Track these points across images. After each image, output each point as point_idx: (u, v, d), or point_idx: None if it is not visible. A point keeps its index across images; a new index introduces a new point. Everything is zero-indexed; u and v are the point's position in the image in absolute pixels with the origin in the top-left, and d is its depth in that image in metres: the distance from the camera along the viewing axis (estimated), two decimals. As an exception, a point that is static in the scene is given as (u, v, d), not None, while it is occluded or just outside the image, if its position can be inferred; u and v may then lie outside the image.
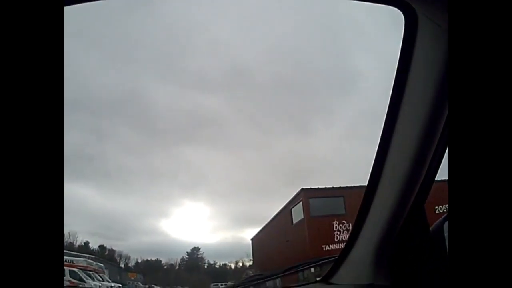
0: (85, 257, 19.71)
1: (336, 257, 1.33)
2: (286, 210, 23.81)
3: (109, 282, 17.32)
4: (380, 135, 1.05)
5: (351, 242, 1.24)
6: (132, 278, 34.74)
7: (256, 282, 1.47)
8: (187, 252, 53.66)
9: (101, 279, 16.79)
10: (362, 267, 1.20)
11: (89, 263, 18.39)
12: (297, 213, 21.27)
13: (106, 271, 26.70)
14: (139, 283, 29.95)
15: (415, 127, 0.95)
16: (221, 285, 31.87)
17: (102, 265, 23.61)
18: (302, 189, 20.59)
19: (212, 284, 33.59)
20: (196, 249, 54.14)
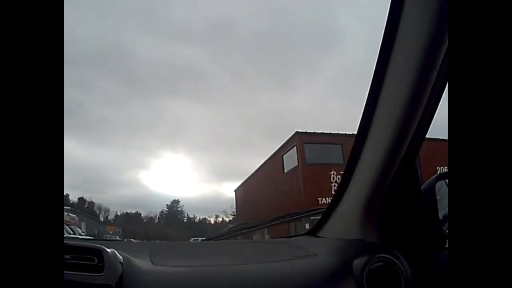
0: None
1: (324, 210, 1.33)
2: (277, 157, 22.23)
3: (80, 235, 15.97)
4: (368, 88, 1.02)
5: (339, 195, 1.23)
6: (111, 232, 34.94)
7: (242, 231, 1.48)
8: (166, 205, 54.73)
9: (72, 232, 15.37)
10: (350, 221, 1.20)
11: (58, 213, 18.12)
12: (290, 160, 19.50)
13: (83, 224, 26.77)
14: (117, 236, 29.36)
15: (406, 81, 0.92)
16: (202, 239, 31.99)
17: (74, 215, 23.32)
18: (297, 132, 18.88)
19: (192, 238, 32.97)
20: (176, 202, 55.23)
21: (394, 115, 0.97)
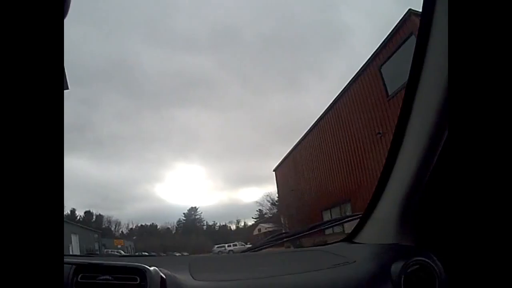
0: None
1: (361, 215, 1.40)
2: (367, 74, 15.88)
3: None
4: (405, 88, 1.08)
5: (375, 200, 1.29)
6: (119, 246, 34.20)
7: (278, 241, 1.54)
8: (184, 213, 54.87)
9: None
10: (386, 226, 1.26)
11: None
12: (398, 71, 12.20)
13: (74, 237, 25.49)
14: (121, 251, 28.52)
15: (441, 81, 0.95)
16: (228, 246, 30.04)
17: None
18: (411, 11, 12.67)
19: (216, 246, 32.35)
20: (193, 209, 55.36)
21: (428, 119, 1.02)
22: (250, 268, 1.23)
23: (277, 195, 32.57)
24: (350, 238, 1.43)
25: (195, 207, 55.92)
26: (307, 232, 1.54)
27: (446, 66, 0.90)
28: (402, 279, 1.07)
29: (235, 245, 29.99)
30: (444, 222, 1.15)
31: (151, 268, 0.94)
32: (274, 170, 33.58)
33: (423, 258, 1.10)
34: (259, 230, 39.45)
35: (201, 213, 56.00)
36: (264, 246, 1.52)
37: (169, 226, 51.38)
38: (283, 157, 30.98)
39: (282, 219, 28.73)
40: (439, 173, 1.11)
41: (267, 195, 33.19)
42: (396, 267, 1.09)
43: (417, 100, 1.05)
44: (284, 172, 30.50)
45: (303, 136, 26.12)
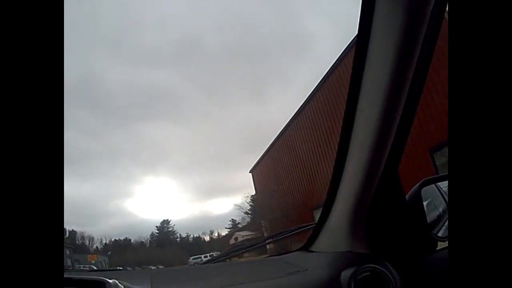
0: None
1: (315, 225, 1.44)
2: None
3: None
4: (346, 97, 1.10)
5: (327, 209, 1.33)
6: (93, 261, 33.34)
7: (237, 253, 1.58)
8: (156, 226, 53.65)
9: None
10: (339, 234, 1.29)
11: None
12: None
13: None
14: (93, 266, 26.85)
15: (382, 88, 0.99)
16: (205, 257, 27.27)
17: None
18: None
19: (191, 257, 30.28)
20: (166, 222, 54.28)
21: (372, 126, 1.05)
22: (207, 279, 1.26)
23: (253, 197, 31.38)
24: (306, 247, 1.46)
25: (167, 220, 55.05)
26: (262, 243, 1.60)
27: (387, 71, 0.96)
28: (352, 285, 1.09)
29: (212, 255, 28.09)
30: (396, 228, 1.21)
31: (111, 281, 0.96)
32: (250, 171, 32.52)
33: (375, 265, 1.13)
34: (236, 239, 38.35)
35: (174, 225, 55.17)
36: (224, 257, 1.57)
37: (143, 240, 50.43)
38: (259, 157, 29.79)
39: (263, 223, 27.60)
40: (388, 180, 1.17)
41: (247, 196, 32.10)
42: (346, 273, 1.12)
43: (359, 107, 1.07)
44: (263, 172, 29.54)
45: (281, 131, 25.35)
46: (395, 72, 0.96)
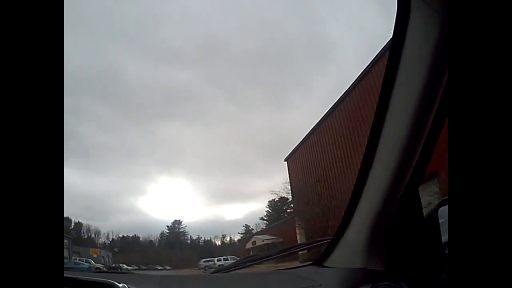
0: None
1: (330, 239, 1.42)
2: None
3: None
4: (374, 113, 1.10)
5: (344, 224, 1.32)
6: (95, 255, 33.78)
7: (248, 264, 1.57)
8: (167, 226, 54.49)
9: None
10: (355, 250, 1.28)
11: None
12: None
13: None
14: (91, 260, 27.88)
15: (409, 108, 0.99)
16: (218, 260, 28.12)
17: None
18: None
19: (203, 260, 30.99)
20: (177, 222, 55.03)
21: (397, 145, 1.06)
22: None
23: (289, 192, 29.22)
24: (319, 262, 1.45)
25: (179, 220, 55.55)
26: (275, 256, 1.58)
27: (417, 87, 0.95)
28: None
29: (226, 259, 27.81)
30: (413, 246, 1.19)
31: (120, 285, 0.96)
32: (285, 160, 30.22)
33: (391, 283, 1.13)
34: (254, 243, 37.86)
35: (185, 226, 55.64)
36: (236, 268, 1.56)
37: (152, 239, 50.80)
38: (297, 143, 27.58)
39: (297, 221, 25.37)
40: (408, 199, 1.16)
41: (285, 183, 28.92)
42: None
43: (386, 123, 1.07)
44: (302, 160, 27.00)
45: (330, 109, 23.31)
46: (425, 88, 0.96)
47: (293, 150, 28.52)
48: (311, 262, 1.53)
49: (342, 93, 21.63)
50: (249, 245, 38.60)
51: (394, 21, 0.97)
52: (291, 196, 28.92)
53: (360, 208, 1.25)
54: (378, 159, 1.13)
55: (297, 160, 27.89)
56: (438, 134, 1.06)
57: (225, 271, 1.59)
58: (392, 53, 1.00)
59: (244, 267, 1.58)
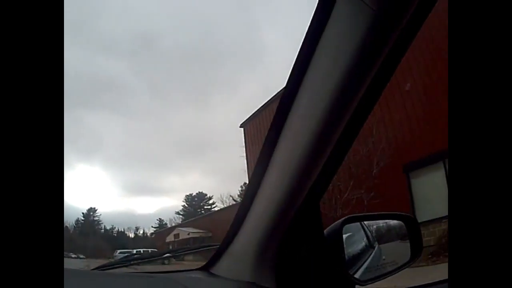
0: None
1: (218, 246, 1.33)
2: None
3: None
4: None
5: (233, 232, 1.22)
6: None
7: (131, 263, 1.52)
8: (82, 213, 52.73)
9: None
10: (244, 262, 1.19)
11: None
12: None
13: None
14: None
15: (317, 111, 0.90)
16: (137, 252, 26.01)
17: None
18: None
19: (118, 251, 30.26)
20: (92, 210, 53.81)
21: (298, 150, 0.96)
22: None
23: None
24: (207, 267, 1.34)
25: (94, 208, 54.30)
26: (159, 257, 1.54)
27: (324, 97, 0.86)
28: None
29: (147, 251, 26.12)
30: (310, 264, 1.14)
31: None
32: (241, 126, 27.20)
33: None
34: (176, 236, 36.46)
35: (100, 215, 54.35)
36: (117, 266, 1.49)
37: (67, 225, 49.05)
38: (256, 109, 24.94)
39: None
40: (307, 212, 1.10)
41: (241, 155, 26.24)
42: None
43: (288, 124, 0.96)
44: (263, 127, 23.27)
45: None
46: (337, 92, 0.86)
47: (252, 115, 25.65)
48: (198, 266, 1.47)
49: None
50: (170, 238, 37.58)
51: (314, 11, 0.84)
52: (246, 168, 25.92)
53: (251, 216, 1.15)
54: (274, 164, 1.02)
55: (257, 127, 25.04)
56: (348, 146, 1.01)
57: (105, 268, 1.52)
58: (306, 43, 0.88)
59: (129, 265, 1.52)
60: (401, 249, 1.39)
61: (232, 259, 1.25)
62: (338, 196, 14.44)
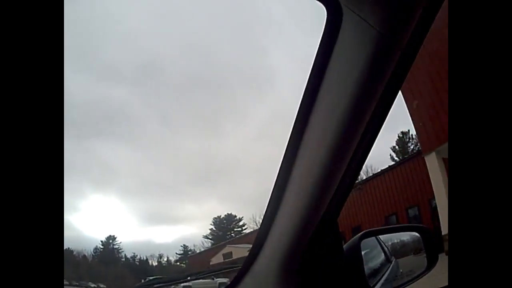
0: None
1: (240, 267, 1.35)
2: None
3: None
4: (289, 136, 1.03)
5: (255, 252, 1.25)
6: None
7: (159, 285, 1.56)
8: (101, 241, 52.15)
9: None
10: (266, 281, 1.22)
11: None
12: None
13: None
14: None
15: (331, 131, 0.93)
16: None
17: None
18: None
19: (148, 278, 28.07)
20: (111, 238, 52.92)
21: (314, 170, 1.00)
22: None
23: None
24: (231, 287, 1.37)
25: (113, 236, 53.79)
26: (183, 281, 1.58)
27: (341, 107, 0.89)
28: None
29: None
30: (330, 279, 1.16)
31: None
32: None
33: None
34: (229, 255, 32.40)
35: (120, 243, 53.97)
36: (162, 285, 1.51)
37: (86, 254, 48.84)
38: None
39: None
40: (324, 231, 1.13)
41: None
42: None
43: (304, 144, 1.00)
44: None
45: None
46: (349, 113, 0.91)
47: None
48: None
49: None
50: (216, 259, 34.06)
51: (321, 36, 0.89)
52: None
53: (272, 235, 1.18)
54: (291, 184, 1.06)
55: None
56: (361, 164, 1.04)
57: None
58: (315, 69, 0.93)
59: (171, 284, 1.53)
60: (416, 261, 1.47)
61: (254, 279, 1.29)
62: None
